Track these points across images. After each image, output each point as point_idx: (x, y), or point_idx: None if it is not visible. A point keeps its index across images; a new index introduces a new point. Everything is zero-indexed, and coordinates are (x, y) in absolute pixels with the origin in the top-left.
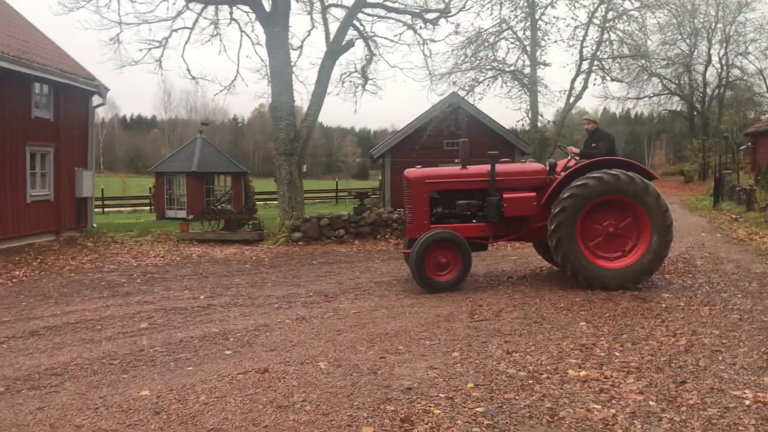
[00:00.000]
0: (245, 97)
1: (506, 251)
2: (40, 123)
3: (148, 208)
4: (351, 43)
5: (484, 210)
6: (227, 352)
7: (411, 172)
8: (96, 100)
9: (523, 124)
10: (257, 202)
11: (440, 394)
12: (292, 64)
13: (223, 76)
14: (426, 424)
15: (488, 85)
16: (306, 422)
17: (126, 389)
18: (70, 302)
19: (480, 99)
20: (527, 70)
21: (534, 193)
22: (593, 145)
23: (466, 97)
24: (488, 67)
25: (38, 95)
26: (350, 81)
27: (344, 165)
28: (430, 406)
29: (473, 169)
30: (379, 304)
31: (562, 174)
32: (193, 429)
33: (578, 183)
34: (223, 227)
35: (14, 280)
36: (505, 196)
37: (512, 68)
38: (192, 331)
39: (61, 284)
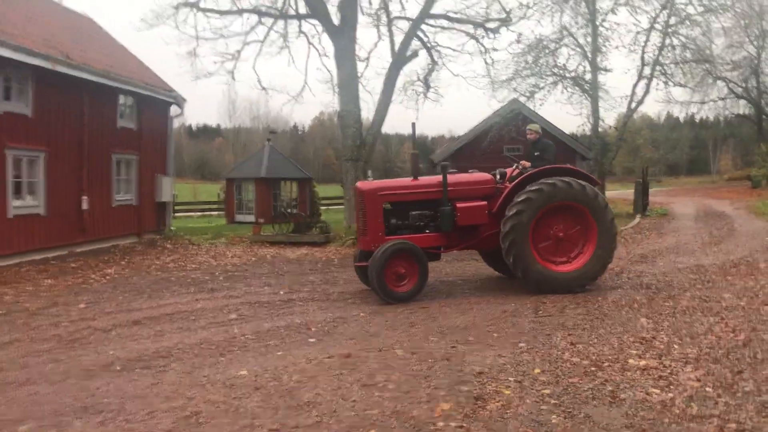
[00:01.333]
0: (309, 106)
1: None
2: (125, 132)
3: (215, 212)
4: (415, 54)
5: (436, 220)
6: (311, 340)
7: (364, 184)
8: (174, 110)
9: (584, 129)
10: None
11: (509, 378)
12: (359, 74)
13: (290, 86)
14: (498, 402)
15: (549, 91)
16: (390, 398)
17: (226, 369)
18: (162, 297)
19: (540, 105)
20: (588, 76)
21: (485, 202)
22: (536, 154)
23: (526, 103)
24: (549, 73)
25: (123, 106)
26: (413, 89)
27: (402, 171)
28: (501, 388)
29: (424, 180)
30: (446, 301)
31: (508, 185)
32: (291, 402)
33: (533, 188)
34: (293, 230)
35: (107, 277)
36: (458, 205)
37: (573, 74)
38: (277, 322)
39: (150, 281)
